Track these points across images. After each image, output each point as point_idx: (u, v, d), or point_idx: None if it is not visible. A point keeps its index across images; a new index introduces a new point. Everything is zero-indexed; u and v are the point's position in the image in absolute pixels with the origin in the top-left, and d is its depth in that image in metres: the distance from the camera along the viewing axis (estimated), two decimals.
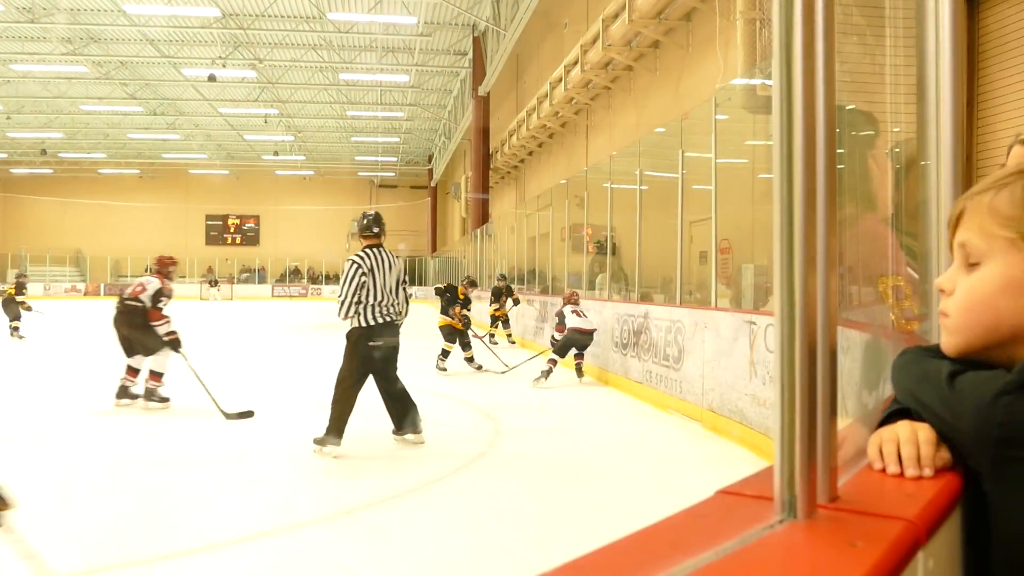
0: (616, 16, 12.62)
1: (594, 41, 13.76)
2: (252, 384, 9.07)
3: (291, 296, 42.27)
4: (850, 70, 1.69)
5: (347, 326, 5.67)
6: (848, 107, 1.79)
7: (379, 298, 5.61)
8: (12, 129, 35.40)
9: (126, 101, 30.78)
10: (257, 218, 47.26)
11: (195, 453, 5.60)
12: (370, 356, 5.59)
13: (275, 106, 31.71)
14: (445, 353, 10.27)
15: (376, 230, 5.87)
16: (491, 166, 24.79)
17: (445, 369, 10.18)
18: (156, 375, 7.17)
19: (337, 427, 5.42)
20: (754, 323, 5.78)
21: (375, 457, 5.53)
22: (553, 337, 10.26)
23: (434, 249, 43.22)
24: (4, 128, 35.24)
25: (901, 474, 0.85)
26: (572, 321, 9.01)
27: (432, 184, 44.40)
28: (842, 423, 0.77)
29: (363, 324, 5.59)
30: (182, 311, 24.37)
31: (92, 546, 3.63)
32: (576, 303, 9.29)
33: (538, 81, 19.86)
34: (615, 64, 14.09)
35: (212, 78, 25.40)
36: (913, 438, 0.88)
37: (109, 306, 7.49)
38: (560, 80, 16.26)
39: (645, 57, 13.24)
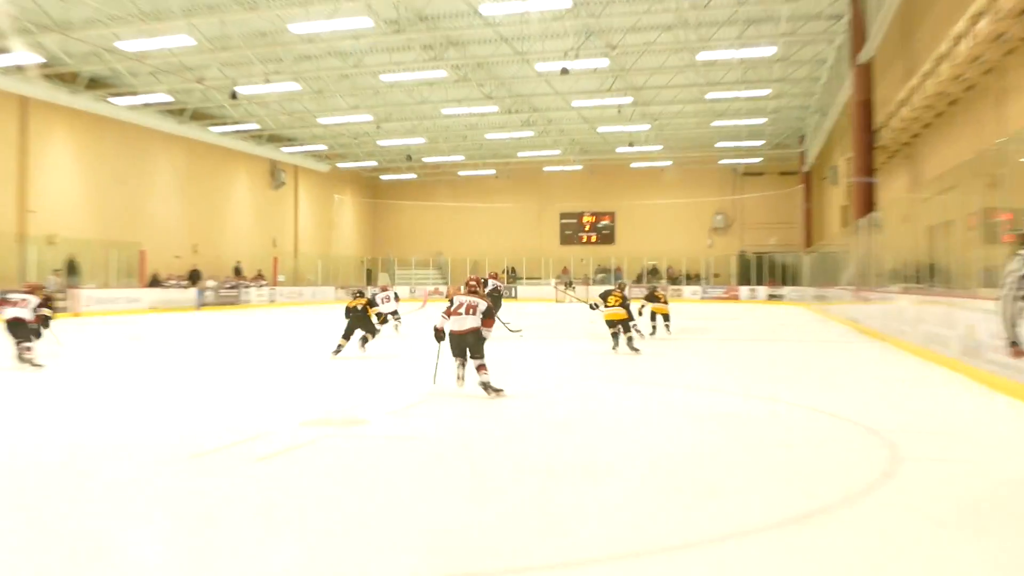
0: None
1: None
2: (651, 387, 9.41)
3: None
4: None
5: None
6: None
7: None
8: (381, 137, 40.39)
9: (482, 102, 33.50)
10: (612, 215, 48.90)
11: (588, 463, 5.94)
12: None
13: (629, 94, 32.55)
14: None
15: None
16: (876, 144, 23.19)
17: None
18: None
19: None
20: None
21: (747, 477, 5.45)
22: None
23: (808, 243, 41.51)
24: (375, 137, 40.36)
25: None
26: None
27: (804, 169, 42.68)
28: None
29: None
30: (544, 313, 25.77)
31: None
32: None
33: (933, 39, 18.21)
34: None
35: (564, 71, 26.77)
36: None
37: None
38: (962, 35, 14.75)
39: None
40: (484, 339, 9.19)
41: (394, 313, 18.52)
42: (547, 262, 48.11)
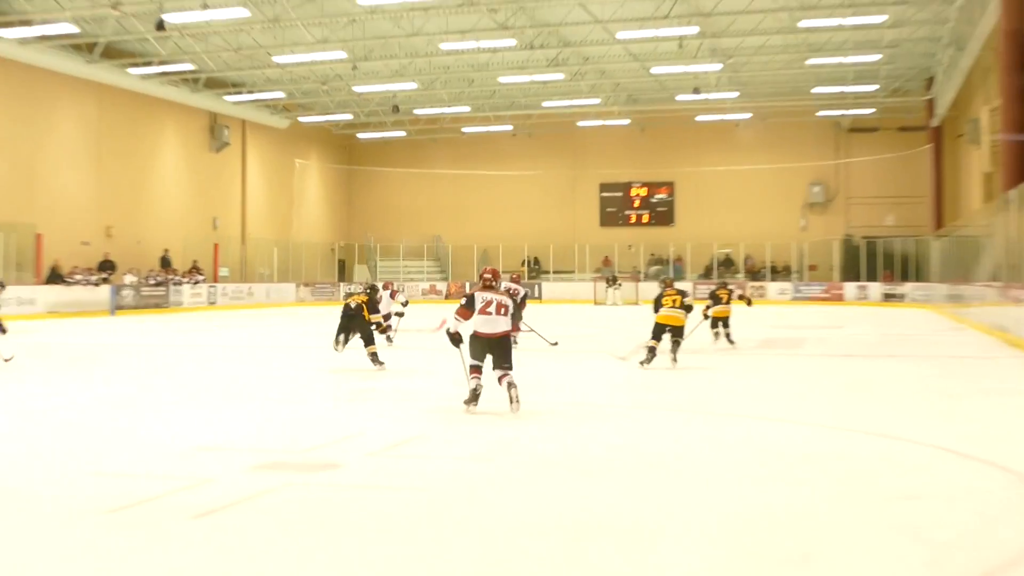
0: None
1: None
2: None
3: None
4: None
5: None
6: None
7: None
8: (359, 82, 40.36)
9: (495, 33, 33.45)
10: (671, 186, 48.79)
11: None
12: None
13: (693, 22, 32.40)
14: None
15: None
16: None
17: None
18: None
19: None
20: None
21: (851, 539, 5.47)
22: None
23: (939, 224, 41.26)
24: (350, 81, 40.33)
25: None
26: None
27: (933, 123, 42.43)
28: None
29: None
30: (576, 316, 25.68)
31: None
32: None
33: None
34: None
35: None
36: None
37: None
38: None
39: None
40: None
41: (389, 316, 18.93)
42: (582, 250, 47.94)
